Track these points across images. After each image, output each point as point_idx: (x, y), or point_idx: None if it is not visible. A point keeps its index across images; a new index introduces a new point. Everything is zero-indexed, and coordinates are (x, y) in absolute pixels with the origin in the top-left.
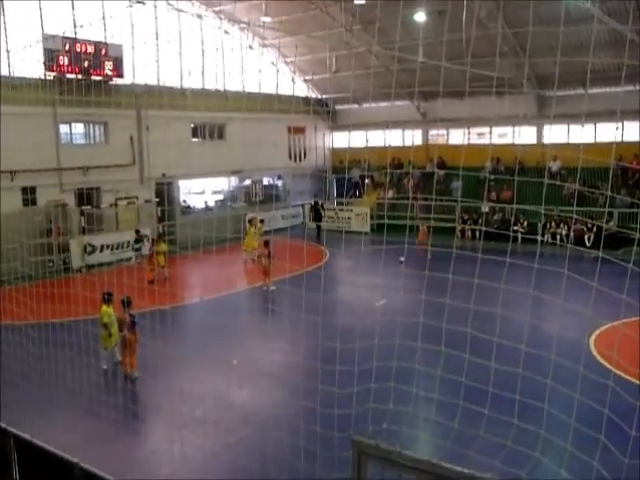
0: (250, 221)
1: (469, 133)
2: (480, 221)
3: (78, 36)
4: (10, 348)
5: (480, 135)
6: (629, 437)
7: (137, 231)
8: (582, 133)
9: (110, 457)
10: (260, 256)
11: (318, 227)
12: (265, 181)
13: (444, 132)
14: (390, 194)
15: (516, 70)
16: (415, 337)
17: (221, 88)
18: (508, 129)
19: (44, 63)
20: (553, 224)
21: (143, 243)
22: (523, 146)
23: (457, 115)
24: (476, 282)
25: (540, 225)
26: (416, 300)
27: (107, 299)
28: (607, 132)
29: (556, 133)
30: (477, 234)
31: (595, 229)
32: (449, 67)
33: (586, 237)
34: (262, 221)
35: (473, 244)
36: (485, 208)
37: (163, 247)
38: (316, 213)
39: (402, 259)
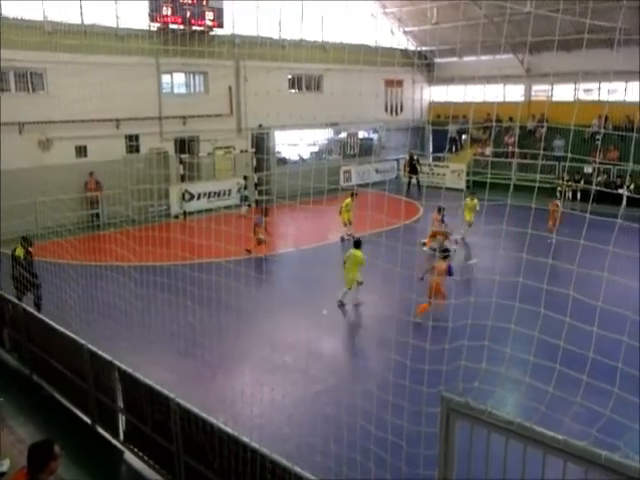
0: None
1: (577, 89)
2: (582, 182)
3: None
4: (115, 287)
5: (587, 91)
6: None
7: (245, 177)
8: None
9: (202, 395)
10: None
11: (411, 181)
12: (360, 134)
13: (548, 88)
14: (488, 151)
15: (636, 17)
16: (510, 297)
17: (319, 39)
18: (619, 85)
19: (148, 14)
20: None
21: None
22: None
23: (563, 69)
24: (582, 242)
25: None
26: (510, 259)
27: (357, 244)
28: None
29: None
30: (578, 195)
31: None
32: (558, 17)
33: None
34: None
35: (573, 205)
36: (588, 169)
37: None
38: (411, 167)
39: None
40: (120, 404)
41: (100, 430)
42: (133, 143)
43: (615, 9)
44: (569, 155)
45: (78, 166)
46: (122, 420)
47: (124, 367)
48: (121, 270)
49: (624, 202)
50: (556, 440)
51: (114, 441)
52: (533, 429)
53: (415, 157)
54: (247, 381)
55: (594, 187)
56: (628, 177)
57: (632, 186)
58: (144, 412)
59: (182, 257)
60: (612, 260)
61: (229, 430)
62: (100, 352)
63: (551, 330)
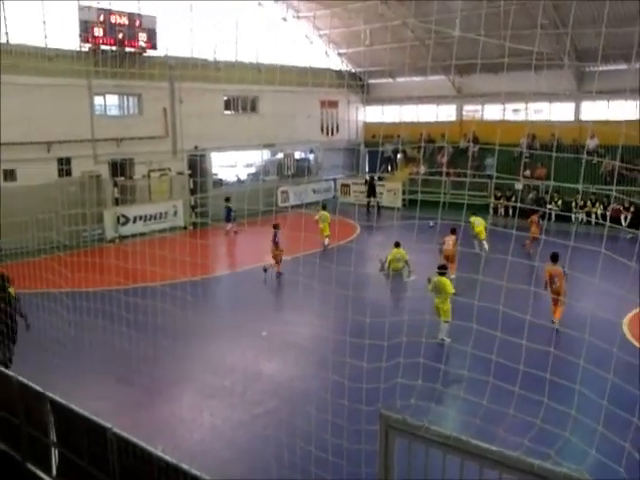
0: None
1: (504, 109)
2: (513, 199)
3: (113, 7)
4: (46, 315)
5: (515, 111)
6: None
7: (227, 198)
8: (624, 110)
9: (141, 423)
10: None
11: (370, 203)
12: (297, 155)
13: (478, 108)
14: (422, 170)
15: (555, 44)
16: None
17: (254, 61)
18: (544, 105)
19: (79, 34)
20: (588, 203)
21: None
22: (560, 123)
23: (492, 90)
24: (509, 259)
25: (574, 204)
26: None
27: (443, 269)
28: None
29: (595, 109)
30: (510, 212)
31: (633, 209)
32: (486, 41)
33: (622, 217)
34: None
35: (506, 221)
36: (519, 185)
37: (327, 216)
38: (371, 188)
39: (432, 223)
40: (53, 438)
41: (31, 467)
42: (65, 166)
43: (535, 35)
44: (495, 174)
45: (6, 191)
46: (55, 454)
47: (57, 398)
48: (52, 297)
49: (552, 217)
50: (491, 452)
51: (46, 477)
52: (469, 442)
53: (375, 178)
54: (187, 406)
55: (518, 204)
56: (556, 193)
57: (559, 202)
58: (79, 445)
59: (116, 282)
60: (540, 273)
61: (168, 458)
62: (30, 383)
63: (483, 344)
